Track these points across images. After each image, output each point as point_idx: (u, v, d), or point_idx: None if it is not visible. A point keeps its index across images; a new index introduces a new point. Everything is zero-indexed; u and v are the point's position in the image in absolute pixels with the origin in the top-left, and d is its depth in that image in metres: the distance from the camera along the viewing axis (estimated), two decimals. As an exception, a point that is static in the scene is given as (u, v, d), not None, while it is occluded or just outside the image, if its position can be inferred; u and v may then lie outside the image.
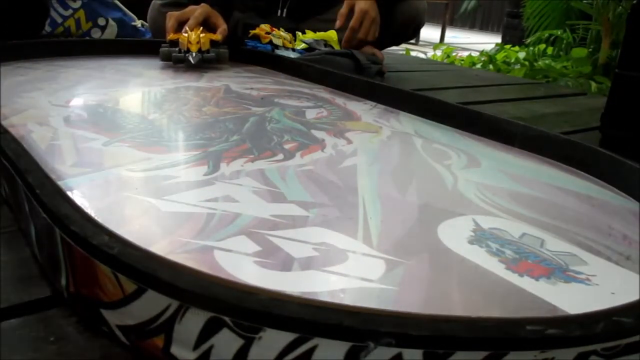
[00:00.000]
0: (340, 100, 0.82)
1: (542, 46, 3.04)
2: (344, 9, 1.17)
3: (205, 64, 0.95)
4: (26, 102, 0.66)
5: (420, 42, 4.96)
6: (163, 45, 0.97)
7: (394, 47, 1.57)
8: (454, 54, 3.23)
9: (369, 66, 1.08)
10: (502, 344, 0.24)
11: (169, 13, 1.04)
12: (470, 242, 0.39)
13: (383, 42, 1.28)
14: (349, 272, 0.33)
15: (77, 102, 0.70)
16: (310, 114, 0.71)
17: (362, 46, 1.19)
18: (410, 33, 1.39)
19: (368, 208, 0.43)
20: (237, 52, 1.09)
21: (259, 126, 0.64)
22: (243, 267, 0.33)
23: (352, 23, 1.15)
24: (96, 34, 1.33)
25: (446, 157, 0.58)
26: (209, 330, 0.25)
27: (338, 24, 1.16)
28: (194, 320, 0.25)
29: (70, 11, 1.29)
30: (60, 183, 0.40)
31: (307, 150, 0.56)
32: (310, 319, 0.24)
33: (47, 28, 1.25)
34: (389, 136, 0.64)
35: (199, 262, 0.33)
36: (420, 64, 1.80)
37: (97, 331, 0.29)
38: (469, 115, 0.69)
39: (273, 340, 0.24)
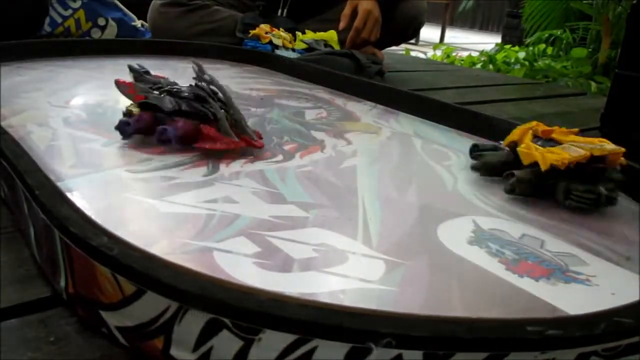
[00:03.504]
0: (339, 100, 0.82)
1: (542, 46, 3.04)
2: (347, 10, 1.17)
3: None
4: (25, 102, 0.66)
5: (420, 42, 4.97)
6: None
7: (394, 47, 1.57)
8: (454, 54, 3.23)
9: (369, 66, 1.08)
10: (503, 345, 0.24)
11: None
12: (470, 242, 0.39)
13: (383, 42, 1.29)
14: (349, 273, 0.33)
15: (77, 102, 0.69)
16: (310, 115, 0.71)
17: (364, 46, 1.19)
18: (411, 33, 1.39)
19: (368, 209, 0.43)
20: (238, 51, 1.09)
21: (259, 127, 0.63)
22: (242, 268, 0.33)
23: (356, 23, 1.15)
24: (96, 34, 1.33)
25: (446, 157, 0.58)
26: (208, 332, 0.25)
27: (342, 25, 1.17)
28: (193, 322, 0.25)
29: (70, 11, 1.29)
30: (59, 184, 0.40)
31: (307, 151, 0.56)
32: (310, 320, 0.24)
33: (47, 28, 1.25)
34: (389, 137, 0.64)
35: (198, 263, 0.33)
36: (420, 64, 1.80)
37: (96, 331, 0.29)
38: (469, 115, 0.69)
39: (273, 341, 0.24)
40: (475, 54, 3.13)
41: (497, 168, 0.50)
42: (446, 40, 5.76)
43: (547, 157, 0.46)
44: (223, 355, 0.25)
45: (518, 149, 0.49)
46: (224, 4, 1.29)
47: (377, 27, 1.18)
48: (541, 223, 0.43)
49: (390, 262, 0.35)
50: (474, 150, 0.53)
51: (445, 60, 2.98)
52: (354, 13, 1.17)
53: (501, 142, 0.53)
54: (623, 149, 0.47)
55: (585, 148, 0.47)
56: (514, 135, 0.51)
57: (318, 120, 0.69)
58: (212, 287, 0.25)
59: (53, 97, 0.69)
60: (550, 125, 0.52)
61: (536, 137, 0.50)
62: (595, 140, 0.49)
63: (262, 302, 0.24)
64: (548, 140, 0.49)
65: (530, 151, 0.47)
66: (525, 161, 0.47)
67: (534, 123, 0.52)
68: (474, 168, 0.52)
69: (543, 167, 0.46)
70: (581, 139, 0.49)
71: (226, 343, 0.25)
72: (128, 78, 0.88)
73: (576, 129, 0.51)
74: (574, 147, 0.47)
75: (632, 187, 0.48)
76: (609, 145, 0.47)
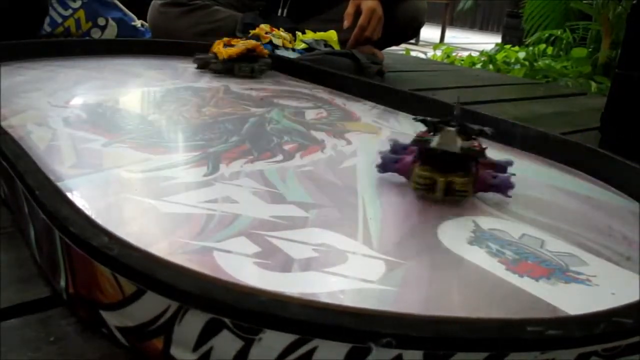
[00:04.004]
0: (339, 100, 0.82)
1: (542, 46, 3.04)
2: (350, 9, 1.18)
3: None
4: (25, 102, 0.66)
5: (420, 42, 4.96)
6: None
7: (394, 47, 1.57)
8: (454, 54, 3.23)
9: (369, 66, 1.08)
10: (503, 345, 0.24)
11: None
12: (470, 242, 0.39)
13: (383, 42, 1.29)
14: (349, 273, 0.33)
15: (77, 102, 0.69)
16: (310, 115, 0.71)
17: (366, 44, 1.20)
18: (411, 33, 1.40)
19: (368, 209, 0.43)
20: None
21: (259, 127, 0.64)
22: (243, 268, 0.33)
23: (361, 21, 1.16)
24: (96, 34, 1.32)
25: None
26: (208, 332, 0.25)
27: (346, 24, 1.17)
28: (193, 322, 0.25)
29: (70, 11, 1.28)
30: (59, 184, 0.40)
31: (307, 151, 0.56)
32: (311, 320, 0.24)
33: (47, 28, 1.25)
34: (389, 137, 0.64)
35: (198, 263, 0.33)
36: (420, 64, 1.80)
37: (96, 332, 0.29)
38: (469, 115, 0.69)
39: (273, 341, 0.24)
40: (475, 54, 3.13)
41: (207, 64, 0.93)
42: (446, 40, 5.76)
43: (227, 51, 0.90)
44: (223, 355, 0.25)
45: (212, 50, 0.93)
46: (224, 4, 1.29)
47: (380, 26, 1.19)
48: (541, 223, 0.43)
49: (391, 262, 0.35)
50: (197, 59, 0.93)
51: (445, 60, 2.98)
52: (358, 12, 1.18)
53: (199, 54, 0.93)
54: (258, 43, 0.95)
55: (245, 44, 0.91)
56: (213, 48, 0.93)
57: (318, 120, 0.69)
58: (212, 287, 0.25)
59: (53, 97, 0.69)
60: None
61: (225, 45, 0.91)
62: (251, 41, 0.95)
63: (263, 302, 0.24)
64: (231, 45, 0.91)
65: (220, 50, 0.91)
66: (220, 57, 0.91)
67: (226, 39, 0.94)
68: (198, 68, 0.94)
69: (225, 57, 0.90)
70: (247, 42, 0.93)
71: (226, 343, 0.25)
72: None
73: (251, 42, 0.95)
74: (240, 45, 0.91)
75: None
76: (252, 42, 0.94)
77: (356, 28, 1.17)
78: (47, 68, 0.86)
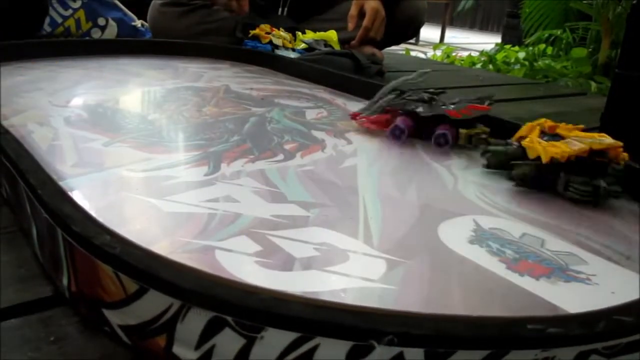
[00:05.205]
0: (340, 100, 0.82)
1: (542, 46, 3.04)
2: (353, 11, 1.18)
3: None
4: (26, 102, 0.66)
5: (420, 42, 4.96)
6: None
7: (394, 47, 1.57)
8: (454, 54, 3.23)
9: (368, 66, 1.08)
10: (503, 343, 0.24)
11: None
12: (471, 242, 0.39)
13: (383, 42, 1.29)
14: (350, 271, 0.33)
15: (77, 102, 0.70)
16: (310, 114, 0.71)
17: (370, 44, 1.20)
18: (410, 33, 1.40)
19: (368, 208, 0.43)
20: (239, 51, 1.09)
21: (259, 126, 0.64)
22: (244, 267, 0.33)
23: (366, 22, 1.16)
24: (96, 34, 1.32)
25: (446, 157, 0.58)
26: (210, 330, 0.25)
27: (351, 26, 1.17)
28: (195, 320, 0.25)
29: (70, 11, 1.29)
30: (61, 183, 0.40)
31: (307, 151, 0.56)
32: (312, 318, 0.24)
33: (47, 28, 1.25)
34: (389, 136, 0.64)
35: (200, 262, 0.33)
36: (420, 64, 1.80)
37: (98, 331, 0.29)
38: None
39: (275, 339, 0.24)
40: (475, 54, 3.13)
41: (504, 162, 0.52)
42: (446, 40, 5.76)
43: (548, 150, 0.47)
44: (225, 354, 0.25)
45: (522, 142, 0.50)
46: (224, 4, 1.29)
47: (383, 26, 1.19)
48: (541, 222, 0.43)
49: (391, 261, 0.35)
50: (485, 151, 0.55)
51: (445, 60, 2.98)
52: (362, 13, 1.18)
53: (509, 140, 0.54)
54: (621, 143, 0.49)
55: (585, 142, 0.48)
56: (522, 131, 0.53)
57: (318, 119, 0.69)
58: (214, 286, 0.25)
59: (54, 97, 0.69)
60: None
61: (543, 133, 0.51)
62: (596, 135, 0.50)
63: (264, 300, 0.24)
64: (554, 136, 0.51)
65: (534, 145, 0.48)
66: (531, 155, 0.48)
67: (542, 120, 0.53)
68: (484, 165, 0.54)
69: (544, 159, 0.47)
70: (584, 134, 0.50)
71: (228, 341, 0.25)
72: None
73: (581, 126, 0.53)
74: (574, 142, 0.48)
75: (630, 184, 0.49)
76: (607, 139, 0.49)
77: (361, 29, 1.17)
78: (47, 68, 0.86)
